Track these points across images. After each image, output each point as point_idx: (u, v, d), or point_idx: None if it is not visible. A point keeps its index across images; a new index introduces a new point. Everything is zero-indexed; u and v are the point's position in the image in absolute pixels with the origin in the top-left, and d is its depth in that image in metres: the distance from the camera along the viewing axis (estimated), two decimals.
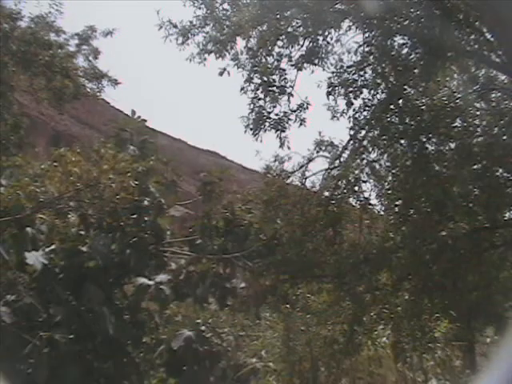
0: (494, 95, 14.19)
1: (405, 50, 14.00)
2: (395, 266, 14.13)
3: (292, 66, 14.77)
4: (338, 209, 14.74)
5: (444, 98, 14.15)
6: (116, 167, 11.82)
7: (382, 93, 14.40)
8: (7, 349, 10.16)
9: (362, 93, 14.32)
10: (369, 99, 14.38)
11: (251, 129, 14.67)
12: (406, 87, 14.21)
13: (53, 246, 11.50)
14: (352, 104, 14.36)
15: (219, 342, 13.81)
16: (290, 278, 14.99)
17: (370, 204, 14.92)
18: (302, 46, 14.49)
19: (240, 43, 14.74)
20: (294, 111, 14.81)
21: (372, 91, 14.35)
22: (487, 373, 5.02)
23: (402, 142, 14.31)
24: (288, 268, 14.52)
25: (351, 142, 15.02)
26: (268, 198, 14.90)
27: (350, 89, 14.22)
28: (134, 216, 12.38)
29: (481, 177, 13.50)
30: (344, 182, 14.84)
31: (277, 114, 14.82)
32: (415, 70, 13.98)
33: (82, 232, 12.05)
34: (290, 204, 14.98)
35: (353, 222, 15.39)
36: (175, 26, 14.83)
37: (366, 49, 14.30)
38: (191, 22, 14.77)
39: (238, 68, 14.87)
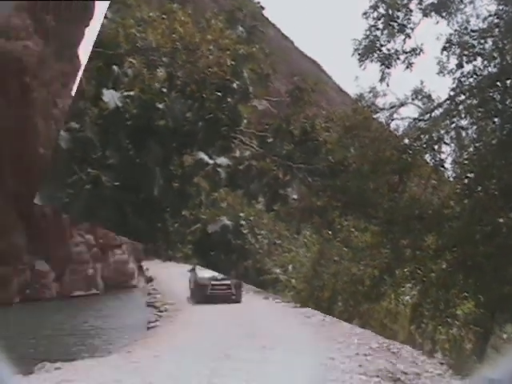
0: None
1: None
2: (445, 233, 14.00)
3: (420, 9, 14.44)
4: (412, 160, 14.58)
5: None
6: (219, 41, 11.80)
7: (495, 67, 14.02)
8: (52, 173, 10.39)
9: (475, 59, 13.98)
10: (479, 68, 14.04)
11: (359, 54, 14.49)
12: None
13: (132, 92, 11.61)
14: (462, 67, 14.04)
15: (253, 241, 13.96)
16: (341, 207, 14.99)
17: (443, 167, 14.73)
18: None
19: None
20: (406, 53, 14.56)
21: (485, 62, 13.99)
22: (495, 366, 4.99)
23: (496, 120, 13.99)
24: (343, 197, 14.52)
25: (447, 101, 14.73)
26: (350, 124, 14.80)
27: (466, 52, 13.89)
28: (219, 93, 12.40)
29: None
30: (427, 136, 14.63)
31: (388, 50, 14.58)
32: None
33: (165, 90, 12.12)
34: (368, 138, 14.86)
35: (420, 178, 15.23)
36: None
37: (496, 20, 13.85)
38: None
39: None
